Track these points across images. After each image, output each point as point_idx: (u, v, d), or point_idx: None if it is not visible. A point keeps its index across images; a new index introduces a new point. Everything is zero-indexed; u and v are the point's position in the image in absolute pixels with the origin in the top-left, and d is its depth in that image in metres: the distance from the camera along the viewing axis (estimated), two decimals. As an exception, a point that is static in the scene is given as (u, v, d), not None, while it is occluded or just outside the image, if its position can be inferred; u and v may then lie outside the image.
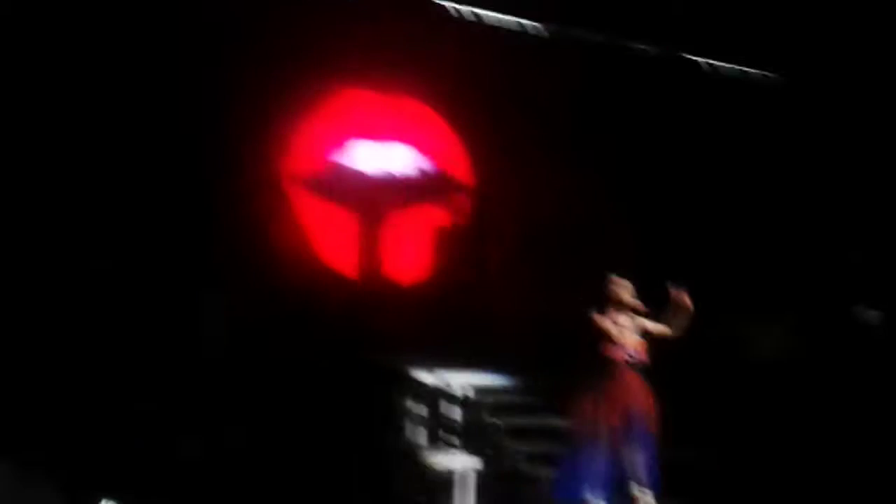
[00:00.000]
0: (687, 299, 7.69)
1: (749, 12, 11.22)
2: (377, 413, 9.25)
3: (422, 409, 9.64)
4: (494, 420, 9.37)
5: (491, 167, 11.31)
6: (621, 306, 7.84)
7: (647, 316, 7.78)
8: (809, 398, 9.60)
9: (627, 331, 7.80)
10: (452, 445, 9.47)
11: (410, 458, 9.09)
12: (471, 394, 9.69)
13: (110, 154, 10.11)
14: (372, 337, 10.02)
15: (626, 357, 7.82)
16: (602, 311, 7.80)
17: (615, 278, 7.87)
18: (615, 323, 7.80)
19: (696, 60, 11.93)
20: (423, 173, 11.49)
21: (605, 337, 7.77)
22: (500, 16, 11.40)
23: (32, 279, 9.50)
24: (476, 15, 11.34)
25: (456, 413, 9.69)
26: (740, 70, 12.01)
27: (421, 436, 9.61)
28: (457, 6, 11.28)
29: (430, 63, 10.92)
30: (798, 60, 11.73)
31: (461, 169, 11.54)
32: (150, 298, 9.93)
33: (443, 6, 11.27)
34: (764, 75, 11.99)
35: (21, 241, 9.56)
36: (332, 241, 11.21)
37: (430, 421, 9.59)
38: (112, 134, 10.10)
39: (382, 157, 11.41)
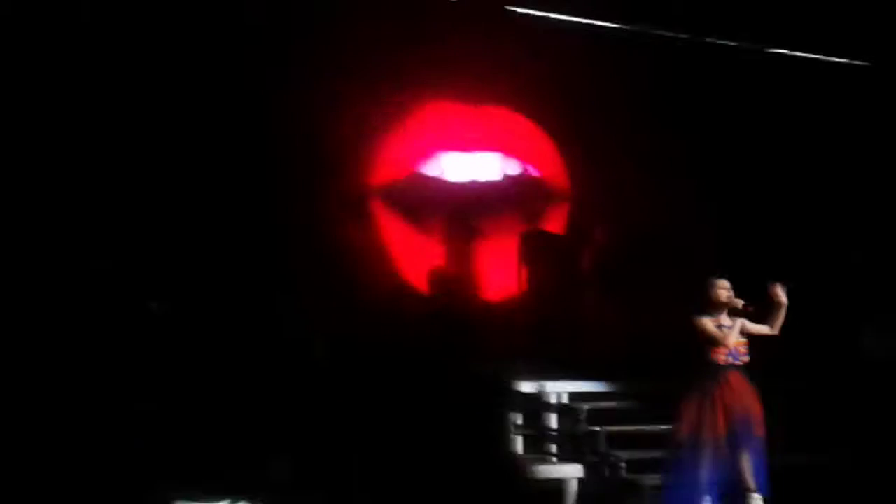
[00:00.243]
0: (782, 295, 7.54)
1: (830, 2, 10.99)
2: (476, 425, 9.19)
3: (519, 419, 9.54)
4: (594, 427, 9.25)
5: (581, 174, 11.23)
6: (721, 306, 7.71)
7: (748, 314, 7.64)
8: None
9: (729, 331, 7.67)
10: (553, 455, 9.39)
11: (513, 469, 9.01)
12: (567, 401, 9.59)
13: (198, 165, 10.24)
14: (465, 349, 9.99)
15: (729, 359, 7.69)
16: (702, 313, 7.68)
17: (713, 279, 7.75)
18: (716, 324, 7.68)
19: (780, 53, 11.71)
20: (513, 182, 11.47)
21: (707, 339, 7.65)
22: (581, 20, 11.32)
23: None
24: (559, 20, 11.28)
25: (553, 421, 9.61)
26: (827, 61, 11.75)
27: (520, 446, 9.52)
28: (541, 13, 11.23)
29: (517, 71, 10.90)
30: (885, 47, 11.44)
31: (552, 177, 11.50)
32: (234, 311, 10.02)
33: (526, 14, 11.22)
34: (852, 64, 11.72)
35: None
36: (421, 256, 11.23)
37: (530, 430, 9.50)
38: (204, 144, 10.23)
39: (471, 168, 11.40)
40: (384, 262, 11.22)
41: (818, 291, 9.98)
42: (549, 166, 11.53)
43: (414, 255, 11.34)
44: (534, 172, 11.55)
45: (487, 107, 11.37)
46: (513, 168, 11.47)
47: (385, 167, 11.27)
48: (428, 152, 11.36)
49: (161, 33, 10.25)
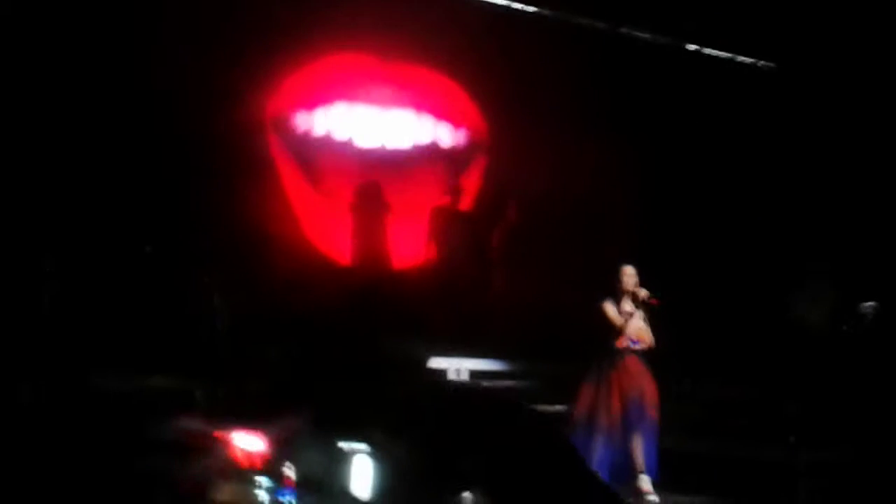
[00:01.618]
0: (653, 303, 7.73)
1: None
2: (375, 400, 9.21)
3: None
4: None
5: (498, 147, 11.22)
6: (625, 293, 7.89)
7: (651, 306, 7.82)
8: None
9: (631, 318, 7.85)
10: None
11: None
12: (466, 378, 9.69)
13: (95, 109, 9.93)
14: (369, 321, 9.97)
15: (628, 344, 7.88)
16: (608, 298, 7.85)
17: (621, 265, 7.91)
18: (620, 310, 7.85)
19: (692, 49, 11.98)
20: (419, 143, 11.32)
21: (609, 323, 7.83)
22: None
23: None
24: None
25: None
26: (738, 59, 12.07)
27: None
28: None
29: (435, 33, 10.74)
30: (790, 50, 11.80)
31: (466, 142, 11.38)
32: (141, 281, 9.82)
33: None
34: (757, 64, 12.06)
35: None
36: (328, 223, 11.12)
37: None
38: (101, 86, 9.92)
39: (383, 129, 11.21)
40: (290, 225, 11.03)
41: (747, 265, 10.22)
42: (468, 121, 11.39)
43: (320, 219, 11.20)
44: (444, 135, 11.39)
45: (403, 64, 11.20)
46: (426, 128, 11.27)
47: (284, 103, 10.96)
48: (334, 96, 11.07)
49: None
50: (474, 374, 9.75)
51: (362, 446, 6.46)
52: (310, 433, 6.74)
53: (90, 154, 9.95)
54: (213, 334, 9.51)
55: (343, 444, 6.51)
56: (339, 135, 11.21)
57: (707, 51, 11.95)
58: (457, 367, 9.68)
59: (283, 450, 6.60)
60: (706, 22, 11.58)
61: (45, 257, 9.45)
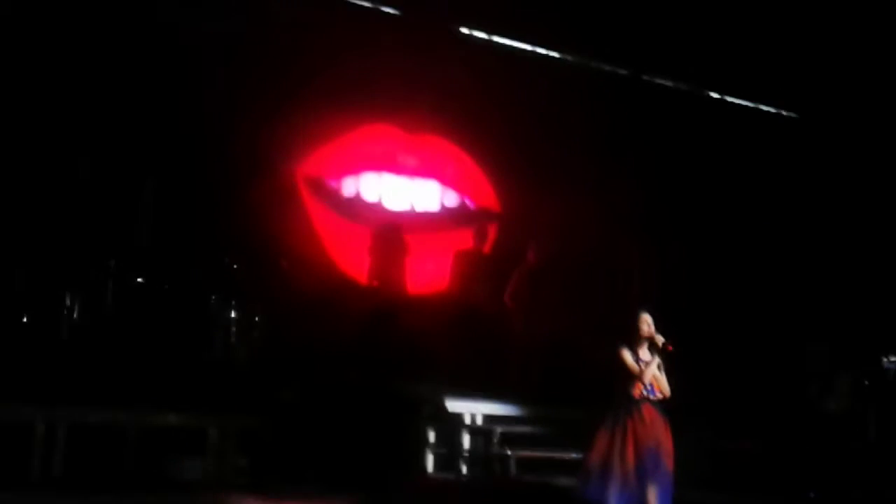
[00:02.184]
0: (669, 349, 7.68)
1: (766, 51, 11.28)
2: (387, 436, 9.17)
3: (432, 435, 9.56)
4: (504, 450, 9.30)
5: (515, 199, 11.33)
6: (642, 340, 7.82)
7: (668, 353, 7.76)
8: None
9: (648, 367, 7.77)
10: (464, 476, 9.41)
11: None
12: (482, 422, 9.63)
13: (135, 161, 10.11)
14: (386, 359, 9.97)
15: (644, 392, 7.79)
16: (625, 346, 7.79)
17: (639, 313, 7.86)
18: (637, 358, 7.79)
19: (714, 97, 12.02)
20: (448, 208, 11.54)
21: (626, 372, 7.76)
22: (521, 45, 11.46)
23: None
24: (498, 45, 11.40)
25: (465, 440, 9.63)
26: (756, 108, 12.09)
27: (430, 464, 9.53)
28: (483, 35, 11.33)
29: (458, 98, 10.96)
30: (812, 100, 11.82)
31: (484, 200, 11.56)
32: (167, 303, 9.87)
33: (465, 35, 11.32)
34: (780, 113, 12.08)
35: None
36: (352, 256, 11.25)
37: (440, 447, 9.51)
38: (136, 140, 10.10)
39: (407, 192, 11.47)
40: (318, 258, 11.18)
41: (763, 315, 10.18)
42: (479, 190, 11.62)
43: (347, 254, 11.37)
44: (463, 195, 11.64)
45: (425, 133, 11.47)
46: (450, 197, 11.60)
47: (316, 166, 11.26)
48: (363, 166, 11.39)
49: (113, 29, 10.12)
50: (489, 419, 9.69)
51: None
52: None
53: (121, 186, 10.11)
54: (230, 371, 9.54)
55: None
56: (369, 198, 11.49)
57: (729, 99, 12.00)
58: (472, 411, 9.62)
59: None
60: (728, 71, 11.63)
61: (66, 290, 9.54)
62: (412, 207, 11.53)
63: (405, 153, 11.43)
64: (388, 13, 11.11)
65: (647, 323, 7.81)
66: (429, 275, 11.34)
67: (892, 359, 8.65)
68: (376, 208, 11.49)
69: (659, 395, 7.81)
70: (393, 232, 11.12)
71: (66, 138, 10.00)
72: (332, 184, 11.44)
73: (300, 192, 11.25)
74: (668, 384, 7.79)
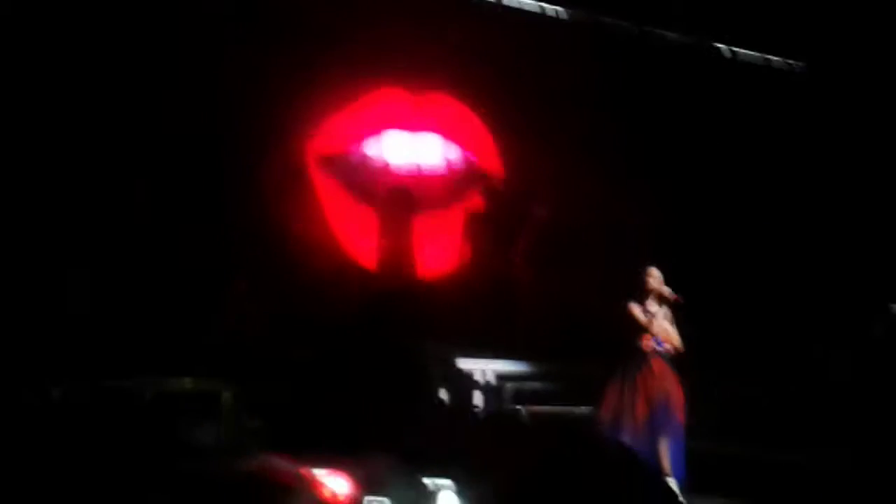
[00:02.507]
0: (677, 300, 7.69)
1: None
2: (400, 401, 9.23)
3: (444, 394, 9.61)
4: (517, 406, 9.36)
5: (522, 159, 11.28)
6: (650, 294, 7.84)
7: (677, 305, 7.77)
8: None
9: (656, 319, 7.79)
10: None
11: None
12: (493, 380, 9.68)
13: (136, 144, 10.10)
14: (396, 325, 10.01)
15: (654, 346, 7.82)
16: (633, 300, 7.80)
17: (646, 267, 7.87)
18: (645, 311, 7.80)
19: (719, 48, 11.92)
20: (453, 165, 11.49)
21: (634, 325, 7.78)
22: (527, 2, 11.39)
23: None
24: (502, 4, 11.34)
25: (477, 398, 9.70)
26: (765, 58, 11.99)
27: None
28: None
29: (461, 56, 10.89)
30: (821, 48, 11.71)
31: (491, 160, 11.53)
32: (174, 285, 9.92)
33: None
34: (787, 63, 11.98)
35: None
36: (360, 231, 11.22)
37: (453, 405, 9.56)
38: (137, 123, 10.09)
39: (413, 150, 11.41)
40: (325, 235, 11.17)
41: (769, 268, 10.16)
42: (487, 150, 11.59)
43: (354, 229, 11.34)
44: (471, 155, 11.61)
45: (431, 92, 11.41)
46: (453, 152, 11.52)
47: (328, 141, 11.25)
48: (371, 131, 11.35)
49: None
50: (500, 376, 9.75)
51: (448, 483, 6.44)
52: (396, 472, 6.72)
53: (130, 168, 10.12)
54: (243, 336, 9.61)
55: (428, 482, 6.51)
56: (375, 157, 11.46)
57: (735, 49, 11.90)
58: (483, 369, 9.68)
59: (370, 489, 6.55)
60: (733, 21, 11.52)
61: (74, 263, 9.59)
62: (417, 167, 11.47)
63: (409, 112, 11.38)
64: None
65: (654, 277, 7.84)
66: (439, 253, 11.30)
67: None
68: (383, 171, 11.42)
69: (668, 347, 7.85)
70: (401, 209, 11.11)
71: (77, 115, 9.99)
72: (340, 154, 11.38)
73: (310, 172, 11.23)
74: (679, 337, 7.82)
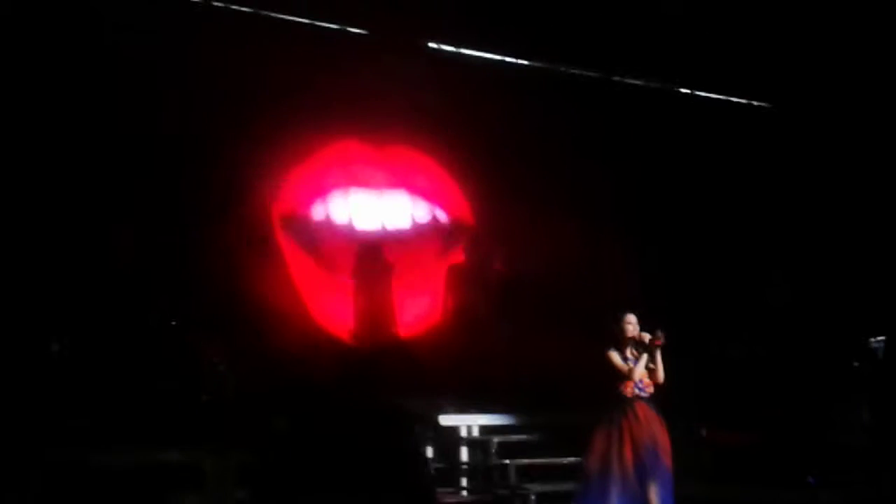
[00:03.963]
0: (648, 337, 7.70)
1: (740, 45, 11.32)
2: (390, 460, 9.15)
3: (430, 453, 9.54)
4: (503, 461, 9.31)
5: (488, 208, 11.30)
6: (628, 341, 7.84)
7: (656, 347, 7.77)
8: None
9: (637, 365, 7.79)
10: (465, 488, 9.40)
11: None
12: (478, 434, 9.63)
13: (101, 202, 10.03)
14: (377, 385, 9.94)
15: (636, 391, 7.80)
16: (611, 348, 7.80)
17: (620, 313, 7.87)
18: (623, 357, 7.80)
19: (686, 93, 12.06)
20: (420, 221, 11.45)
21: (615, 373, 7.77)
22: (490, 56, 11.48)
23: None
24: (467, 57, 11.42)
25: (464, 454, 9.64)
26: (733, 102, 12.13)
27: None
28: (447, 47, 11.33)
29: (422, 110, 10.92)
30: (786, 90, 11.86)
31: (456, 211, 11.51)
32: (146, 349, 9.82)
33: (433, 49, 11.32)
34: (751, 104, 12.12)
35: None
36: (329, 294, 11.14)
37: (441, 464, 9.50)
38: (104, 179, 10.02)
39: (377, 208, 11.35)
40: (293, 300, 11.07)
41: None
42: (454, 205, 11.57)
43: (323, 292, 11.25)
44: (437, 210, 11.57)
45: (393, 146, 11.37)
46: (420, 210, 11.46)
47: (290, 201, 11.14)
48: (333, 189, 11.26)
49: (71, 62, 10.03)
50: (485, 430, 9.70)
51: None
52: None
53: (96, 225, 10.05)
54: (220, 404, 9.50)
55: None
56: (339, 219, 11.31)
57: (700, 94, 12.04)
58: (468, 424, 9.63)
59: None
60: (698, 66, 11.67)
61: (51, 333, 9.50)
62: (383, 227, 11.40)
63: (373, 167, 11.33)
64: (356, 33, 11.07)
65: (631, 323, 7.85)
66: (415, 311, 11.25)
67: (878, 339, 8.69)
68: (347, 230, 11.31)
69: (650, 391, 7.82)
70: (372, 269, 11.03)
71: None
72: (302, 213, 11.22)
73: (276, 235, 11.12)
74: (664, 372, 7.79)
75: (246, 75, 10.32)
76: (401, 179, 11.40)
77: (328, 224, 11.17)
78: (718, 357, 10.23)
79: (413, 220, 11.42)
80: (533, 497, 8.97)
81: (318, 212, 11.25)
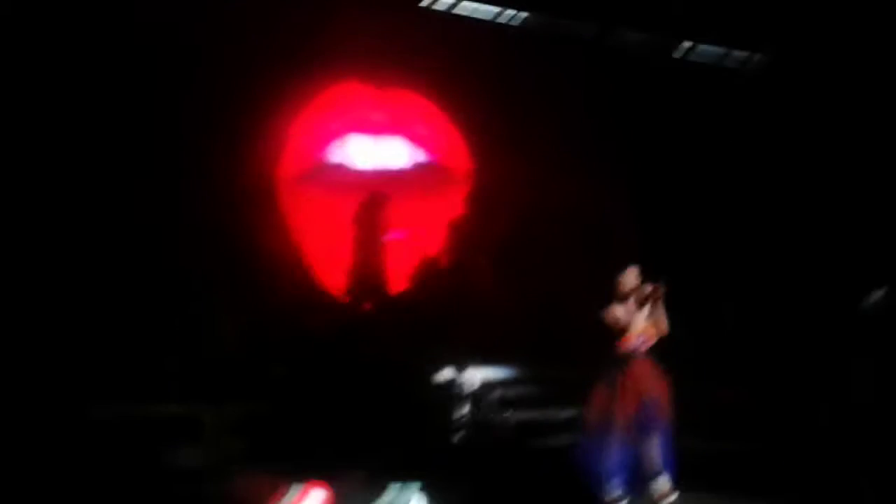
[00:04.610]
0: (659, 294, 7.67)
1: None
2: (384, 413, 9.17)
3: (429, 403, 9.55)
4: (503, 413, 9.32)
5: (489, 159, 11.25)
6: (629, 294, 7.80)
7: (655, 298, 7.74)
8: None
9: (636, 318, 7.76)
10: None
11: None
12: (478, 387, 9.64)
13: (104, 159, 10.01)
14: (374, 339, 9.96)
15: (636, 345, 7.79)
16: (613, 301, 7.77)
17: (624, 267, 7.83)
18: (625, 311, 7.76)
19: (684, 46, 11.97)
20: (419, 165, 11.40)
21: (616, 327, 7.74)
22: (494, 8, 11.39)
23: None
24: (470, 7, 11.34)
25: (465, 408, 9.65)
26: (728, 53, 12.04)
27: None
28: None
29: (424, 54, 10.84)
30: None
31: (457, 162, 11.47)
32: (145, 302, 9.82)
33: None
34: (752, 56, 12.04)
35: None
36: (332, 246, 11.13)
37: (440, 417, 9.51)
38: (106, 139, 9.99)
39: (378, 154, 11.31)
40: (297, 252, 11.08)
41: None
42: (454, 152, 11.51)
43: (326, 244, 11.24)
44: (438, 155, 11.49)
45: (393, 90, 11.29)
46: (419, 155, 11.40)
47: (293, 157, 11.14)
48: (334, 136, 11.24)
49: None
50: (485, 383, 9.71)
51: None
52: (372, 483, 6.79)
53: (107, 181, 10.01)
54: (220, 358, 9.52)
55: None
56: (342, 163, 11.26)
57: (701, 46, 11.94)
58: (468, 377, 9.63)
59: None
60: (697, 17, 11.57)
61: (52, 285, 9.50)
62: (384, 171, 11.37)
63: (374, 110, 11.30)
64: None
65: (632, 276, 7.80)
66: (415, 263, 11.22)
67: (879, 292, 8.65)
68: (349, 174, 11.28)
69: (651, 343, 7.81)
70: (373, 221, 11.01)
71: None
72: (307, 158, 11.23)
73: (278, 183, 11.09)
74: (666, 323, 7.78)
75: (247, 24, 10.25)
76: (400, 123, 11.35)
77: (332, 168, 11.18)
78: (718, 313, 10.21)
79: (414, 163, 11.39)
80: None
81: (322, 156, 11.24)
